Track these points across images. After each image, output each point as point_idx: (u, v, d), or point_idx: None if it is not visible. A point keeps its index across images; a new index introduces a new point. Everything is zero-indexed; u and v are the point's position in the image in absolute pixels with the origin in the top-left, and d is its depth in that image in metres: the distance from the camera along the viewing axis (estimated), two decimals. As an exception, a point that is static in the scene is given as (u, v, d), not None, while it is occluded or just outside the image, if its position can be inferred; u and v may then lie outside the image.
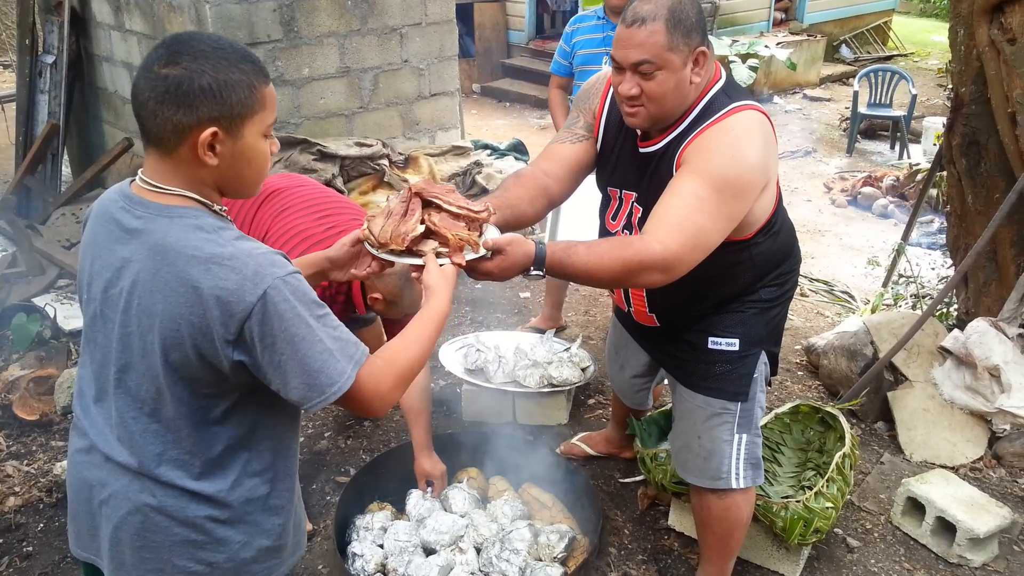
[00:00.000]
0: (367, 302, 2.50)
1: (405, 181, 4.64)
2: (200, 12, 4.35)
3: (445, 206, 1.65)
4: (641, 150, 2.04)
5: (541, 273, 1.75)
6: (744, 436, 2.19)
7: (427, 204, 1.67)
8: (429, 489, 2.71)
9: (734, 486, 2.20)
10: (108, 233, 1.36)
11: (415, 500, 2.68)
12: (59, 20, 5.48)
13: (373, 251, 1.65)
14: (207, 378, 1.32)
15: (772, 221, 2.06)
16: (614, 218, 2.18)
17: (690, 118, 1.93)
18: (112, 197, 1.39)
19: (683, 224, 1.79)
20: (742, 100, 1.92)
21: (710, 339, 2.15)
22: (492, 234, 1.73)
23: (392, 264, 1.68)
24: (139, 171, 1.35)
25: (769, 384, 2.31)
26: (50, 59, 5.53)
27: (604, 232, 2.24)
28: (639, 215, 2.07)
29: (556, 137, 2.26)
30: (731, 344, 2.13)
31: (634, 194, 2.09)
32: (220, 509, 1.39)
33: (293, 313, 1.26)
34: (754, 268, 2.09)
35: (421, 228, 1.61)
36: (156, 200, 1.32)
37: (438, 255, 1.61)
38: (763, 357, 2.19)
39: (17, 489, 2.96)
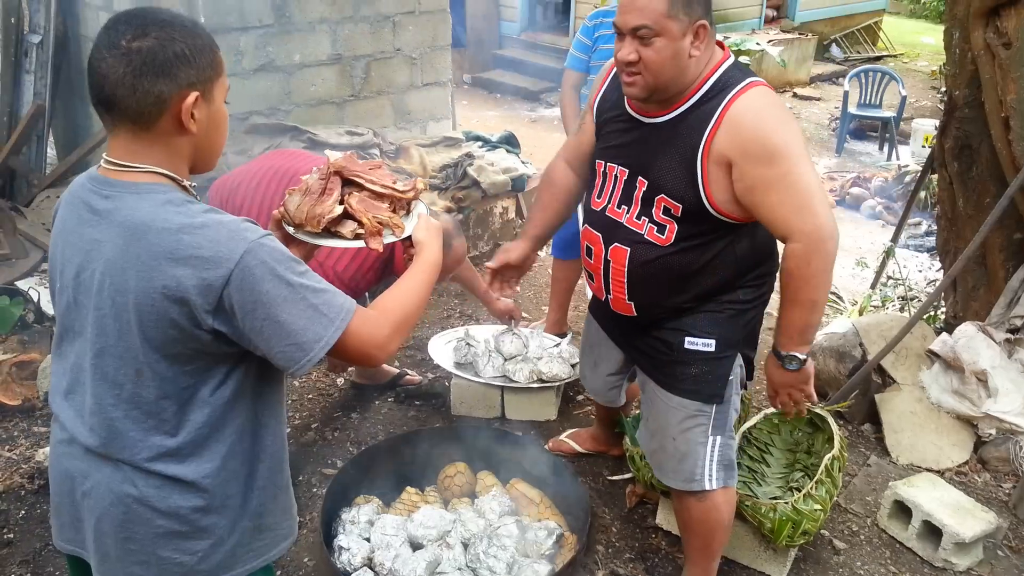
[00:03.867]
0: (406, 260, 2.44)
1: (398, 172, 4.60)
2: (191, -6, 4.28)
3: (368, 185, 1.54)
4: (646, 120, 2.04)
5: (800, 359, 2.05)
6: (718, 438, 2.19)
7: (349, 182, 1.55)
8: (511, 323, 2.99)
9: (707, 487, 2.20)
10: (78, 217, 1.34)
11: (509, 338, 3.21)
12: (46, -1, 5.38)
13: (290, 231, 1.53)
14: (187, 353, 1.30)
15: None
16: (599, 196, 2.17)
17: (702, 91, 1.94)
18: (81, 182, 1.37)
19: (801, 197, 1.88)
20: (751, 79, 1.95)
21: (687, 339, 2.14)
22: (421, 211, 1.64)
23: (313, 247, 1.56)
24: (104, 155, 1.33)
25: (745, 388, 2.32)
26: (36, 39, 5.43)
27: (587, 211, 2.23)
28: (643, 188, 2.04)
29: (572, 131, 2.54)
30: (707, 345, 2.13)
31: (627, 170, 2.08)
32: (202, 495, 1.37)
33: (272, 275, 1.25)
34: (735, 264, 2.09)
35: (339, 209, 1.50)
36: (124, 179, 1.30)
37: (357, 236, 1.52)
38: (739, 360, 2.19)
39: (-2, 476, 2.92)
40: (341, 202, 1.51)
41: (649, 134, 2.02)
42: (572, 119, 3.47)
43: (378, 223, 1.51)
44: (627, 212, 2.08)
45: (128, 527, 1.37)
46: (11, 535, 2.67)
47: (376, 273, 2.51)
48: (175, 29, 1.27)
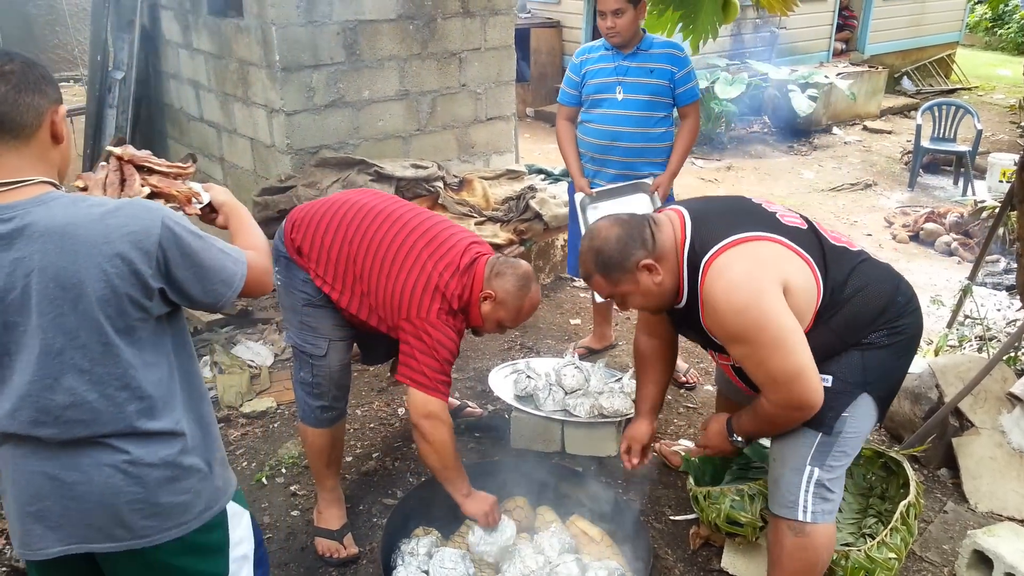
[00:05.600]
0: (482, 303, 2.48)
1: (460, 204, 4.65)
2: (266, 33, 4.43)
3: (156, 167, 1.72)
4: (675, 305, 2.28)
5: (743, 443, 2.36)
6: (816, 470, 2.17)
7: (139, 168, 1.73)
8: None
9: (799, 517, 2.17)
10: None
11: (570, 372, 3.31)
12: (130, 37, 5.65)
13: None
14: (134, 324, 1.46)
15: (825, 304, 2.12)
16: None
17: (685, 278, 2.14)
18: None
19: (768, 376, 2.05)
20: (711, 248, 2.07)
21: None
22: (197, 185, 1.80)
23: None
24: None
25: (880, 425, 2.31)
26: (120, 75, 5.70)
27: None
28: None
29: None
30: (824, 380, 2.12)
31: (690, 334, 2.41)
32: (180, 439, 1.55)
33: (186, 231, 1.49)
34: (839, 337, 2.15)
35: (146, 191, 1.68)
36: (17, 198, 1.41)
37: None
38: (863, 399, 2.16)
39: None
40: (143, 185, 1.69)
41: (678, 314, 2.29)
42: (569, 149, 3.74)
43: (186, 194, 1.73)
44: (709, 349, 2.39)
45: (128, 491, 1.50)
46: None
47: (462, 325, 2.53)
48: (28, 58, 1.46)
